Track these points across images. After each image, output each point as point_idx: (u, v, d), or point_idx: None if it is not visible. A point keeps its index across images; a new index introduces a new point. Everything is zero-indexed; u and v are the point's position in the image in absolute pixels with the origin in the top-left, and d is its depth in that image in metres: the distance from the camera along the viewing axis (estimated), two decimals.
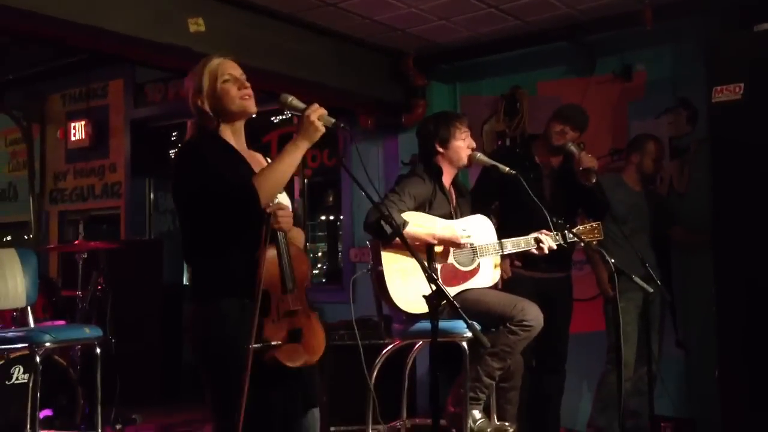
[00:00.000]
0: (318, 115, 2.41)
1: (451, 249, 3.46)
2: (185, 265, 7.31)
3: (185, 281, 7.28)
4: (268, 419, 2.40)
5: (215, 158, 2.42)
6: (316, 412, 2.58)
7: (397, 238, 3.20)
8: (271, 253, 2.41)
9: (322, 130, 2.41)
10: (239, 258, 2.40)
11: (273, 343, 2.34)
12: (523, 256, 3.79)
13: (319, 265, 6.95)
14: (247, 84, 2.54)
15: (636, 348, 4.30)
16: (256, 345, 2.29)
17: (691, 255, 4.70)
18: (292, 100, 2.50)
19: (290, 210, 2.50)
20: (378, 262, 3.34)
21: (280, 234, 2.44)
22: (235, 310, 2.37)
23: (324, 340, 2.54)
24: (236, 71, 2.56)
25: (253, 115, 2.61)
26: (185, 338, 2.51)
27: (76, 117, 7.76)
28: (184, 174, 2.46)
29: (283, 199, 2.55)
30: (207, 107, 2.51)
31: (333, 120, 2.45)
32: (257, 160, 2.63)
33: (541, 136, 4.18)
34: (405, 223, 3.26)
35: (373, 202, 2.61)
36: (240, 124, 2.58)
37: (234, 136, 2.56)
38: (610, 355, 4.34)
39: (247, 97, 2.54)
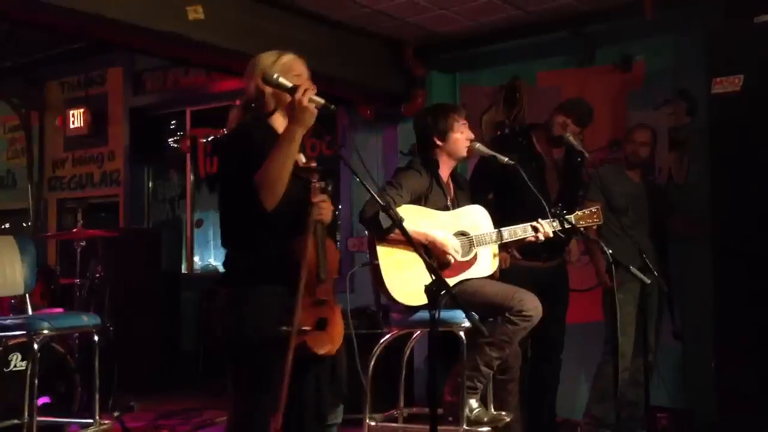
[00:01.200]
0: (308, 97, 2.37)
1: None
2: (183, 254, 7.32)
3: (183, 269, 7.28)
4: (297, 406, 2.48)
5: (262, 145, 2.42)
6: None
7: (392, 234, 3.22)
8: (310, 242, 2.46)
9: (315, 112, 2.38)
10: (273, 245, 2.45)
11: (304, 327, 2.41)
12: (522, 248, 3.79)
13: None
14: (313, 86, 2.51)
15: (634, 339, 4.31)
16: (287, 328, 2.34)
17: (689, 246, 4.70)
18: (278, 77, 2.47)
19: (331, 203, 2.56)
20: (374, 255, 3.33)
21: (318, 225, 2.49)
22: (267, 295, 2.43)
23: (343, 332, 2.61)
24: (305, 72, 2.60)
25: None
26: (213, 321, 2.58)
27: (74, 105, 7.75)
28: (229, 155, 2.51)
29: None
30: (269, 91, 2.53)
31: (322, 101, 2.41)
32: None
33: (542, 126, 4.18)
34: (401, 220, 3.25)
35: (373, 195, 2.63)
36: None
37: (282, 128, 2.55)
38: (607, 345, 4.35)
39: None
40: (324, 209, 2.50)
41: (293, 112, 2.38)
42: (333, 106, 2.44)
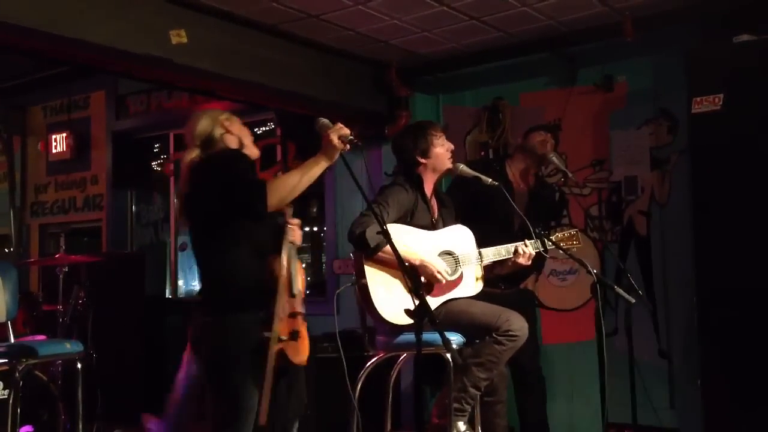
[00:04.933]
0: (338, 135, 2.62)
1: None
2: (167, 278, 7.27)
3: (167, 294, 7.22)
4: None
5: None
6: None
7: (380, 252, 3.22)
8: (283, 260, 2.71)
9: (340, 148, 2.63)
10: (250, 269, 2.68)
11: (282, 336, 2.64)
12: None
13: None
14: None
15: None
16: (268, 334, 2.58)
17: (673, 264, 4.72)
18: (326, 121, 2.72)
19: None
20: (361, 274, 3.32)
21: (290, 245, 2.75)
22: (250, 323, 2.64)
23: (308, 345, 2.85)
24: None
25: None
26: (193, 349, 2.73)
27: (57, 129, 7.71)
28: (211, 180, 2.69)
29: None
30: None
31: (350, 136, 2.65)
32: None
33: (518, 151, 4.21)
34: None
35: (372, 209, 2.76)
36: None
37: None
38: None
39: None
40: (296, 232, 2.77)
41: (322, 146, 2.64)
42: (356, 140, 2.67)
